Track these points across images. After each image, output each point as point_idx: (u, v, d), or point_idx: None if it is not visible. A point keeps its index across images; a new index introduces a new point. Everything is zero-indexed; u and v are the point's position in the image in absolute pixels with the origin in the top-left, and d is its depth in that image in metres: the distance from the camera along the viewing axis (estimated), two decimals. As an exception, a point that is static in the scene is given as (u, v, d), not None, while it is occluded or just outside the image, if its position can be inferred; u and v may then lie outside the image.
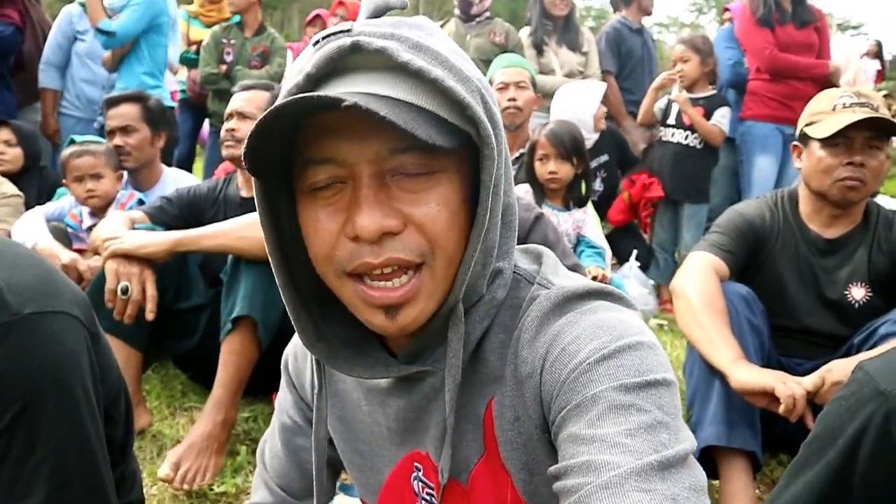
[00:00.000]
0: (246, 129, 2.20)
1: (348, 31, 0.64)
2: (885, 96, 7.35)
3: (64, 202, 2.75)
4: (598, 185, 3.63)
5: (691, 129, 3.59)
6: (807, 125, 1.86)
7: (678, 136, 3.66)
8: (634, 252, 3.54)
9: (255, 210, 2.20)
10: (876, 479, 1.02)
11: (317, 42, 0.66)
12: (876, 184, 1.80)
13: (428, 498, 0.80)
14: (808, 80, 3.57)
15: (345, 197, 0.65)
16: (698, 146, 3.63)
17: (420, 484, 0.80)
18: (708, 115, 3.57)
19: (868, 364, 1.08)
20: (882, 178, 1.83)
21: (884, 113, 1.74)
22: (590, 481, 0.55)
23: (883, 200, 2.82)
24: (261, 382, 1.92)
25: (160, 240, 1.84)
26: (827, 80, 3.48)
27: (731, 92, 4.03)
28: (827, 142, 1.79)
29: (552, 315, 0.69)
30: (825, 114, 1.81)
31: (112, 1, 3.76)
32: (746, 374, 1.57)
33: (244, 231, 1.83)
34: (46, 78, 3.91)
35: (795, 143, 1.93)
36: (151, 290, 1.81)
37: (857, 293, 1.86)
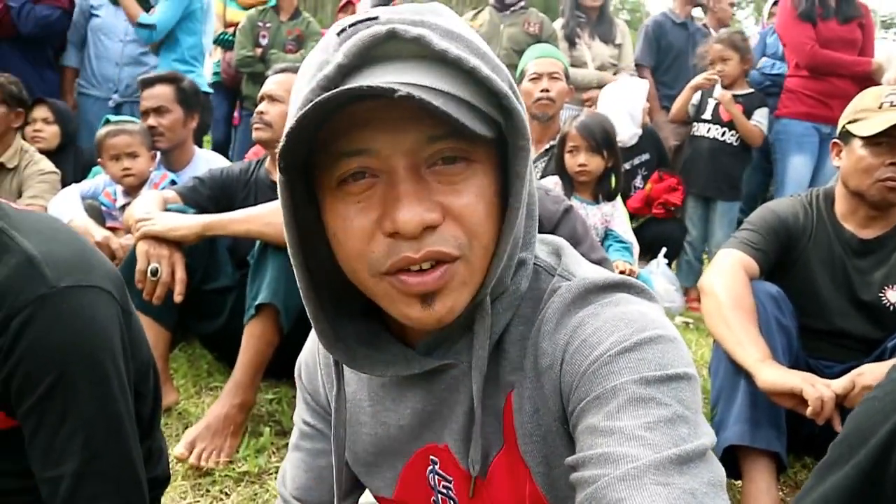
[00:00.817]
0: (275, 111, 2.21)
1: (375, 18, 0.63)
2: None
3: (98, 181, 2.80)
4: (639, 182, 3.60)
5: (728, 125, 3.54)
6: (850, 122, 1.82)
7: (714, 132, 3.61)
8: (663, 249, 3.51)
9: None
10: None
11: (341, 31, 0.64)
12: None
13: (444, 491, 0.79)
14: (848, 77, 3.48)
15: (377, 192, 0.63)
16: (734, 143, 3.58)
17: (437, 477, 0.79)
18: (747, 113, 3.52)
19: None
20: None
21: None
22: (607, 473, 0.55)
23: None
24: (286, 365, 1.94)
25: (190, 223, 1.87)
26: (868, 78, 3.39)
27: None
28: (870, 140, 1.75)
29: (573, 306, 0.69)
30: (871, 111, 1.76)
31: None
32: (773, 375, 1.55)
33: (272, 217, 1.85)
34: (65, 55, 3.96)
35: (835, 140, 1.89)
36: (181, 273, 1.83)
37: (893, 296, 1.81)
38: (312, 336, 0.92)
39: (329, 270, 0.71)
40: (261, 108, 2.26)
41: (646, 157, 3.64)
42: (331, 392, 0.86)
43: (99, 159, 2.70)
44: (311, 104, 0.57)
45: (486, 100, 0.62)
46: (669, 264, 3.59)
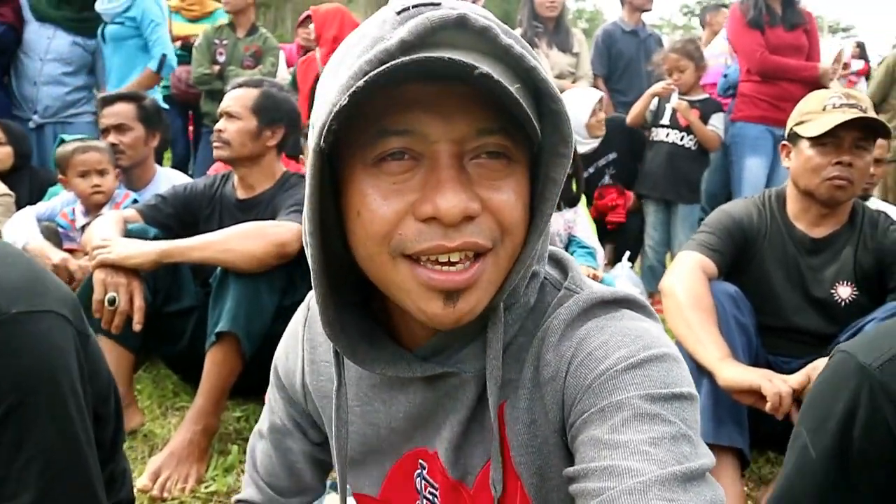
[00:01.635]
0: (233, 129, 2.16)
1: (437, 4, 0.60)
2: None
3: (55, 201, 2.74)
4: (607, 180, 3.70)
5: (686, 129, 3.62)
6: (797, 124, 1.89)
7: (673, 137, 3.68)
8: (627, 253, 3.56)
9: (249, 212, 2.18)
10: (871, 457, 0.99)
11: (402, 10, 0.60)
12: (862, 183, 1.83)
13: (430, 497, 0.79)
14: (797, 81, 3.59)
15: (417, 175, 0.61)
16: (693, 147, 3.66)
17: (423, 482, 0.79)
18: (704, 118, 3.60)
19: (844, 345, 1.07)
20: (866, 177, 1.85)
21: (872, 114, 1.77)
22: (613, 486, 0.55)
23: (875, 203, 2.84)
24: (253, 383, 1.93)
25: (146, 250, 1.84)
26: (816, 82, 3.51)
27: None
28: (816, 141, 1.82)
29: (579, 319, 0.69)
30: (815, 113, 1.83)
31: (106, 8, 3.73)
32: (733, 373, 1.58)
33: (231, 243, 1.83)
34: None
35: (784, 142, 1.95)
36: (139, 301, 1.81)
37: (844, 292, 1.88)
38: (292, 329, 0.89)
39: (333, 260, 0.68)
40: (219, 125, 2.21)
41: (612, 156, 3.71)
42: (314, 386, 0.84)
43: (61, 177, 2.66)
44: (379, 69, 0.54)
45: (535, 102, 0.63)
46: (633, 266, 3.65)
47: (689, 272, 1.82)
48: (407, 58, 0.54)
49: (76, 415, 0.99)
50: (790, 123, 1.93)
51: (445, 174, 0.60)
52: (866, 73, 8.38)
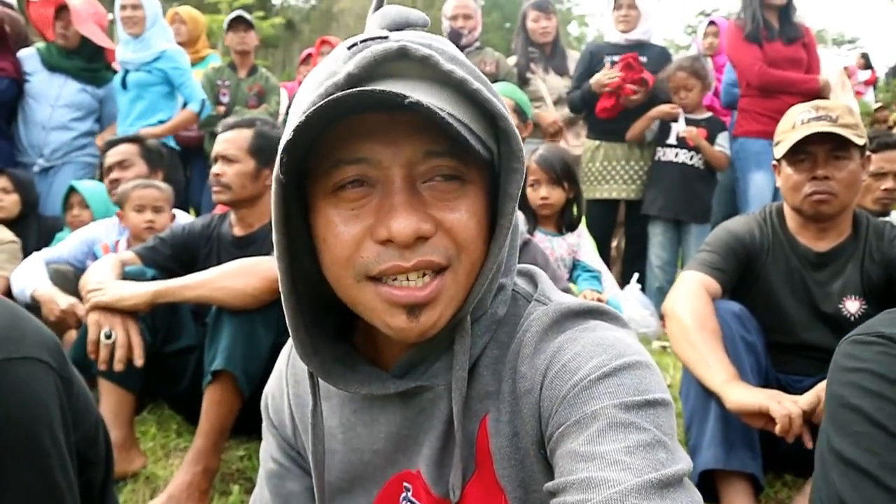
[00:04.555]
0: (231, 171, 2.15)
1: (385, 37, 0.65)
2: (878, 109, 7.43)
3: (77, 238, 2.75)
4: None
5: (695, 149, 3.60)
6: (776, 144, 1.87)
7: (682, 157, 3.65)
8: (635, 275, 3.52)
9: (246, 249, 2.17)
10: None
11: (352, 45, 0.66)
12: (850, 194, 1.80)
13: None
14: (798, 94, 3.56)
15: (372, 201, 0.65)
16: (701, 167, 3.64)
17: None
18: (710, 138, 3.59)
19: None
20: (856, 187, 1.82)
21: (845, 122, 1.75)
22: (589, 498, 0.55)
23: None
24: (254, 420, 1.90)
25: (140, 291, 1.83)
26: (817, 95, 3.48)
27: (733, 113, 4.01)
28: (791, 159, 1.81)
29: (551, 331, 0.70)
30: (787, 132, 1.83)
31: (131, 57, 3.86)
32: (740, 395, 1.54)
33: (224, 281, 1.82)
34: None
35: (774, 162, 1.93)
36: (136, 338, 1.79)
37: (852, 306, 1.83)
38: (278, 368, 0.91)
39: (308, 285, 0.72)
40: (216, 169, 2.19)
41: None
42: (300, 419, 0.86)
43: (119, 211, 2.71)
44: (319, 103, 0.58)
45: (484, 124, 0.66)
46: (643, 288, 3.60)
47: (692, 293, 1.79)
48: (343, 92, 0.59)
49: (58, 467, 0.97)
50: (774, 144, 1.92)
51: (397, 198, 0.63)
52: (873, 83, 8.40)
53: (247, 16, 4.57)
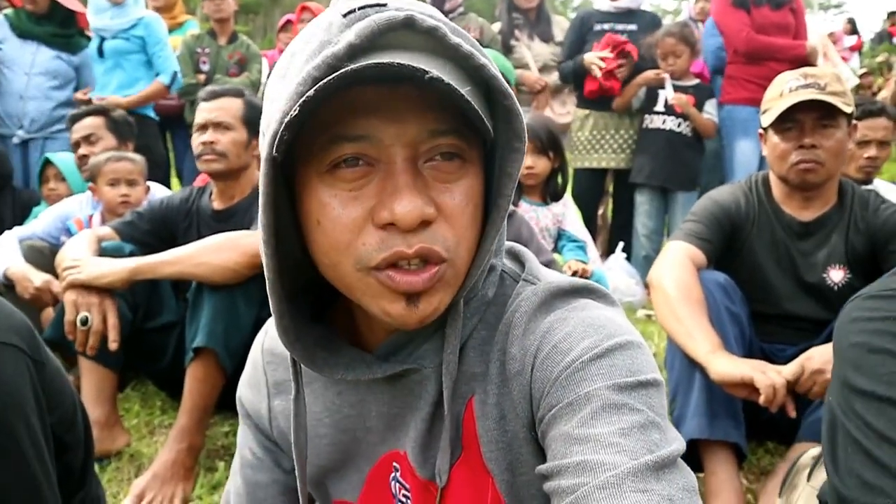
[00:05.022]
0: (226, 139, 2.10)
1: (384, 5, 0.60)
2: (863, 75, 7.42)
3: (39, 222, 2.70)
4: None
5: (683, 116, 3.57)
6: (762, 113, 1.85)
7: (670, 124, 3.61)
8: (620, 244, 3.51)
9: (227, 223, 2.14)
10: None
11: (348, 13, 0.60)
12: (837, 163, 1.79)
13: (404, 500, 0.78)
14: (785, 61, 3.53)
15: (373, 181, 0.61)
16: (689, 134, 3.61)
17: (397, 485, 0.78)
18: (698, 105, 3.56)
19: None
20: (843, 156, 1.81)
21: (834, 89, 1.73)
22: (586, 482, 0.55)
23: (881, 186, 2.78)
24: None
25: (118, 268, 1.79)
26: (804, 61, 3.45)
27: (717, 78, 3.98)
28: (778, 127, 1.79)
29: (540, 311, 0.69)
30: (775, 100, 1.81)
31: (108, 24, 3.74)
32: (724, 366, 1.54)
33: (203, 256, 1.79)
34: None
35: (760, 131, 1.91)
36: (112, 320, 1.76)
37: (836, 276, 1.83)
38: (252, 356, 0.89)
39: (289, 268, 0.68)
40: (206, 137, 2.11)
41: None
42: (280, 408, 0.84)
43: (91, 185, 2.65)
44: (331, 76, 0.53)
45: (486, 100, 0.63)
46: (628, 256, 3.60)
47: (677, 263, 1.78)
48: (357, 64, 0.54)
49: (33, 454, 0.95)
50: (760, 112, 1.90)
51: (401, 179, 0.60)
52: (859, 48, 8.39)
53: (222, -20, 4.41)
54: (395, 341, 0.72)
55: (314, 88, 0.54)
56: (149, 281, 1.93)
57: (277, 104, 0.60)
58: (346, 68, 0.54)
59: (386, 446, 0.77)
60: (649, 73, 3.62)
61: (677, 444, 0.59)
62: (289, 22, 4.83)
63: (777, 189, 1.91)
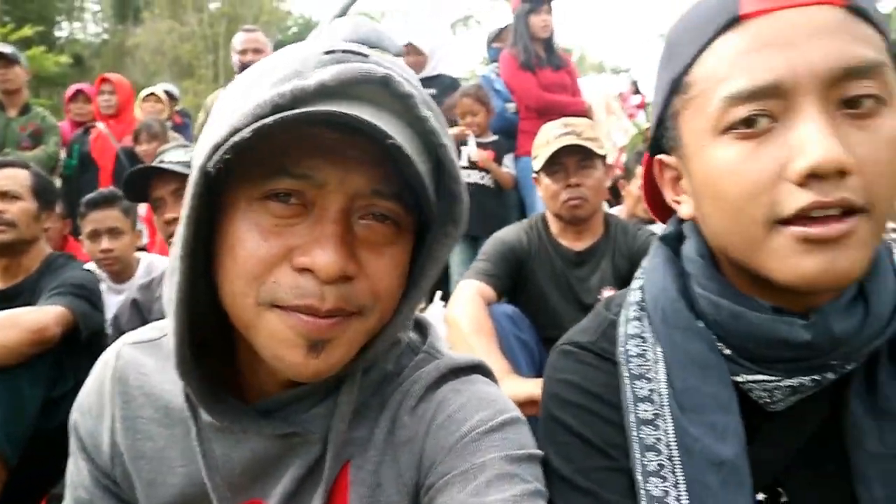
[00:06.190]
0: (16, 208, 1.99)
1: (366, 56, 0.60)
2: (647, 129, 8.41)
3: None
4: None
5: (485, 170, 3.84)
6: (534, 159, 2.10)
7: (474, 177, 3.86)
8: (438, 293, 3.66)
9: (12, 301, 1.97)
10: None
11: (330, 52, 0.59)
12: (598, 198, 2.05)
13: None
14: (569, 116, 3.95)
15: (302, 223, 0.59)
16: (492, 186, 3.89)
17: None
18: (496, 159, 3.85)
19: None
20: (603, 191, 2.08)
21: (589, 136, 2.02)
22: None
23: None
24: (30, 485, 1.74)
25: None
26: (584, 115, 3.89)
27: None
28: (547, 170, 2.03)
29: (437, 383, 0.72)
30: (542, 147, 2.06)
31: None
32: (512, 387, 1.66)
33: None
34: None
35: (534, 175, 2.15)
36: None
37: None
38: (95, 386, 0.79)
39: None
40: None
41: None
42: (127, 445, 0.75)
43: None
44: (298, 111, 0.53)
45: (436, 177, 0.63)
46: (446, 305, 3.75)
47: (468, 300, 1.92)
48: (325, 108, 0.54)
49: None
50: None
51: (331, 229, 0.58)
52: (644, 107, 9.51)
53: (6, 49, 4.15)
54: (283, 399, 0.69)
55: (273, 118, 0.53)
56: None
57: (228, 118, 0.57)
58: (314, 109, 0.53)
59: (245, 495, 0.74)
60: (455, 130, 3.89)
61: None
62: (79, 92, 4.60)
63: (553, 225, 2.13)
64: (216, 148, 0.56)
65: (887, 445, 0.66)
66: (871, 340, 0.65)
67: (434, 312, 3.57)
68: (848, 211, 0.58)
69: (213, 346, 0.71)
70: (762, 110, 0.60)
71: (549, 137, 2.05)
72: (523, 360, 1.87)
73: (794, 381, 0.66)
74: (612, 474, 0.72)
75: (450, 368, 0.73)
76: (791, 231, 0.60)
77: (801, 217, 0.59)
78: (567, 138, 2.01)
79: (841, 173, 0.57)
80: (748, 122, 0.61)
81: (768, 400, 0.68)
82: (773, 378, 0.66)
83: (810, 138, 0.57)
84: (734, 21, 0.62)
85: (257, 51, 4.00)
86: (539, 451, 0.70)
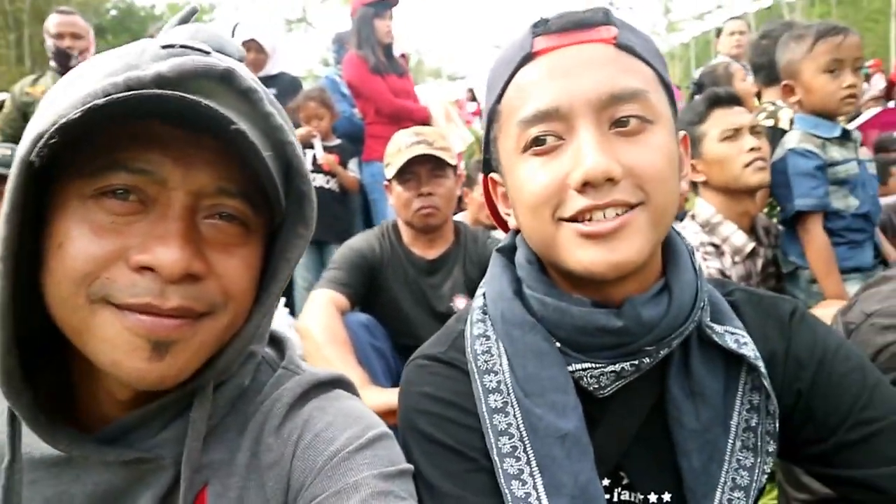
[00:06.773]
0: None
1: (208, 52, 0.58)
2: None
3: None
4: None
5: (331, 173, 3.77)
6: (386, 166, 2.10)
7: (320, 181, 3.79)
8: (283, 300, 3.54)
9: None
10: None
11: (169, 46, 0.55)
12: (449, 207, 2.10)
13: None
14: (416, 122, 4.00)
15: (141, 221, 0.56)
16: (337, 190, 3.83)
17: None
18: (341, 162, 3.80)
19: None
20: (453, 200, 2.12)
21: (440, 146, 2.05)
22: None
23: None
24: None
25: None
26: (426, 122, 3.96)
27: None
28: (399, 178, 2.05)
29: (300, 401, 0.69)
30: (394, 155, 2.07)
31: None
32: (371, 397, 1.65)
33: None
34: None
35: (386, 182, 2.14)
36: None
37: (460, 303, 2.11)
38: None
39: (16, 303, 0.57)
40: None
41: None
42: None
43: None
44: (131, 93, 0.49)
45: (284, 178, 0.61)
46: (292, 311, 3.66)
47: (321, 310, 1.87)
48: (160, 91, 0.50)
49: None
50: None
51: (175, 226, 0.55)
52: (479, 114, 10.02)
53: None
54: (126, 424, 0.62)
55: (104, 100, 0.49)
56: None
57: (55, 108, 0.54)
58: (149, 91, 0.50)
59: None
60: (302, 131, 3.79)
61: None
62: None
63: (405, 233, 2.14)
64: (39, 136, 0.52)
65: (702, 422, 0.77)
66: (676, 327, 0.75)
67: (279, 319, 3.46)
68: (627, 208, 0.70)
69: (43, 373, 0.65)
70: (548, 131, 0.72)
71: (402, 146, 2.06)
72: (379, 369, 1.87)
73: (616, 367, 0.75)
74: (475, 475, 0.77)
75: (311, 384, 0.73)
76: (572, 227, 0.72)
77: (580, 217, 0.71)
78: (419, 147, 2.02)
79: (611, 180, 0.69)
80: (538, 141, 0.73)
81: (597, 386, 0.77)
82: (597, 365, 0.76)
83: (583, 152, 0.70)
84: (528, 58, 0.75)
85: (76, 36, 3.63)
86: (409, 466, 0.71)
